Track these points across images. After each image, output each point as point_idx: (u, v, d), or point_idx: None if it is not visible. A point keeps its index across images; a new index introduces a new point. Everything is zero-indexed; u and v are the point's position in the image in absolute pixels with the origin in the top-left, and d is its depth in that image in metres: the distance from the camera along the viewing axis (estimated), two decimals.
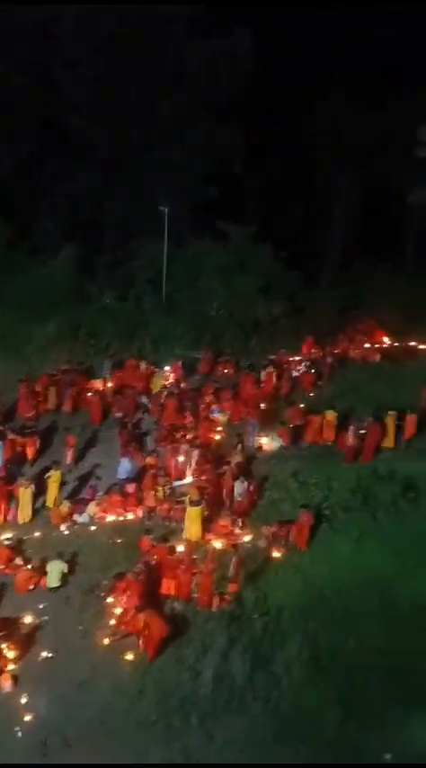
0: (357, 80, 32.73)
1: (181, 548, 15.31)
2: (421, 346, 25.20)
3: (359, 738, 10.73)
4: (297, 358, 24.26)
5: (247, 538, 15.83)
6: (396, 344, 25.75)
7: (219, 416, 20.85)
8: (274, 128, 35.00)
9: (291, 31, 32.56)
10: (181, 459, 18.78)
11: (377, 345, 25.44)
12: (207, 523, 16.17)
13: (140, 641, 12.82)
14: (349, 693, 11.63)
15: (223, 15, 30.35)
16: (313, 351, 24.70)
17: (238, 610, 13.71)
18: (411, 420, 18.78)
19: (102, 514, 17.37)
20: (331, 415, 19.39)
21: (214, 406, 21.16)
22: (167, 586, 14.25)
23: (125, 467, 18.63)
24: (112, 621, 13.52)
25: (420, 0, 30.29)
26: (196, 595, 14.05)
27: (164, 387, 22.44)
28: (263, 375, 22.31)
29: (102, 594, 14.35)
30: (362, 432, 18.51)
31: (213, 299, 27.39)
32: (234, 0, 31.11)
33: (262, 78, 31.64)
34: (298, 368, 23.35)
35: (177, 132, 30.79)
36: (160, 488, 17.43)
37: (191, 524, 15.91)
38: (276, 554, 15.11)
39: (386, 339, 26.19)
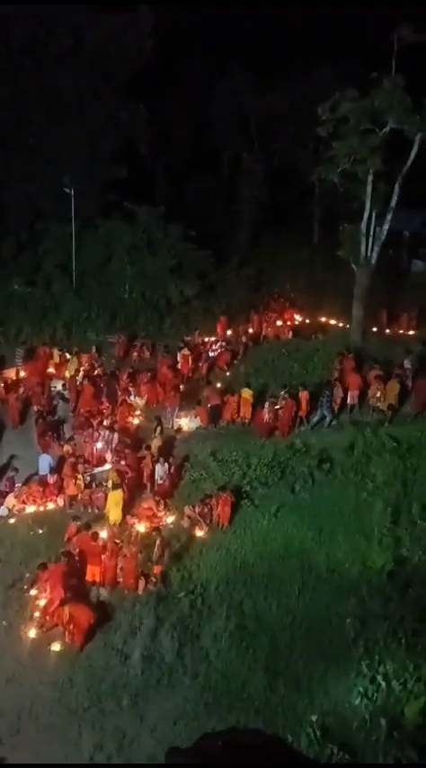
0: (257, 58, 32.98)
1: (104, 533, 15.28)
2: (331, 321, 26.05)
3: (286, 702, 11.18)
4: (212, 338, 24.50)
5: (170, 519, 15.98)
6: (307, 321, 26.49)
7: (136, 400, 20.81)
8: (179, 106, 34.82)
9: (192, 9, 32.32)
10: (99, 445, 18.65)
11: (288, 323, 26.06)
12: (129, 507, 16.20)
13: (67, 633, 12.76)
14: (274, 657, 12.07)
15: None
16: (227, 330, 25.00)
17: (165, 590, 13.87)
18: (304, 396, 18.91)
19: (22, 506, 17.05)
20: (247, 393, 19.75)
21: (131, 390, 21.08)
22: (92, 573, 14.21)
23: (45, 463, 18.21)
24: (37, 614, 13.38)
25: None
26: (121, 580, 14.09)
27: (78, 372, 22.11)
28: (179, 357, 22.39)
29: (26, 587, 14.14)
30: (278, 408, 18.96)
31: (124, 281, 27.10)
32: None
33: (165, 56, 31.31)
34: (214, 348, 23.58)
35: (79, 109, 29.97)
36: (80, 476, 17.27)
37: (113, 509, 15.89)
38: (199, 533, 15.36)
39: (297, 316, 26.86)
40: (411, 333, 24.19)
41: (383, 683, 10.80)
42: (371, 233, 21.13)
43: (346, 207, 24.10)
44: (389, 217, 21.12)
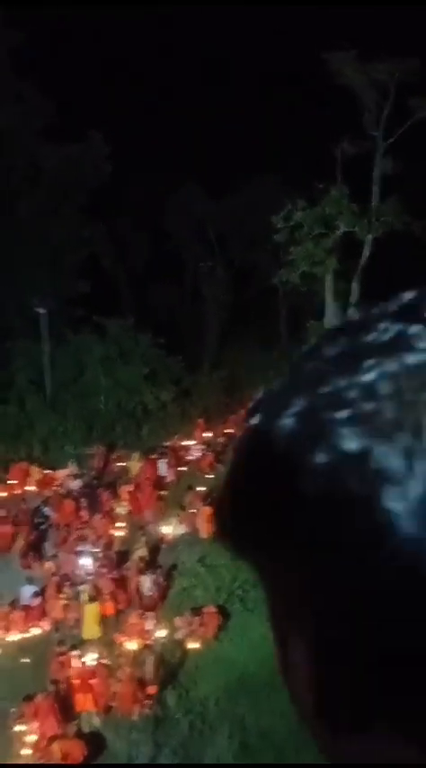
0: (207, 170, 35.23)
1: (93, 656, 14.59)
2: None
3: None
4: (192, 442, 24.56)
5: (162, 633, 15.38)
6: None
7: (119, 511, 20.49)
8: (136, 219, 36.67)
9: (145, 128, 34.79)
10: (82, 561, 18.13)
11: None
12: (117, 625, 15.59)
13: None
14: None
15: (75, 120, 31.99)
16: (205, 433, 25.14)
17: (162, 712, 13.16)
18: None
19: (3, 634, 16.25)
20: None
21: (112, 501, 20.80)
22: (82, 701, 13.45)
23: (28, 594, 17.42)
24: (24, 751, 12.49)
25: (269, 95, 33.41)
26: (114, 705, 13.35)
27: (59, 488, 21.83)
28: (161, 464, 22.32)
29: (13, 723, 13.27)
30: None
31: (99, 393, 27.37)
32: (85, 106, 32.90)
33: (119, 173, 33.33)
34: (194, 452, 23.62)
35: (39, 231, 31.36)
36: (64, 596, 16.66)
37: (89, 624, 15.25)
38: (193, 644, 14.77)
39: None
40: None
41: None
42: None
43: (310, 304, 25.10)
44: (351, 311, 22.05)
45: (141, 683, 13.60)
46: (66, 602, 16.50)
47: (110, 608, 15.85)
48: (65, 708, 13.11)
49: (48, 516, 20.55)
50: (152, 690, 13.46)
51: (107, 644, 15.06)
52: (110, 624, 15.68)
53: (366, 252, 21.02)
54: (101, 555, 18.00)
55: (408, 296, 0.44)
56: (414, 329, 0.41)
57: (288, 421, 0.41)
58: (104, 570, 17.34)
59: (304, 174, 22.92)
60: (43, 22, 30.90)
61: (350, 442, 0.38)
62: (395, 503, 0.37)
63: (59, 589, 16.80)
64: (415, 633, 0.37)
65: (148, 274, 36.70)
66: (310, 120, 32.14)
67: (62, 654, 14.63)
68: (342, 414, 0.39)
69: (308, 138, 31.19)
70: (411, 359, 0.40)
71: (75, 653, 14.68)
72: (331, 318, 21.76)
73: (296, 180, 24.20)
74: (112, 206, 33.70)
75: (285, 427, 0.41)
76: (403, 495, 0.37)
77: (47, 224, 31.15)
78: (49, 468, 22.89)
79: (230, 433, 25.03)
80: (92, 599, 15.59)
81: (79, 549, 18.39)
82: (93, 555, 18.18)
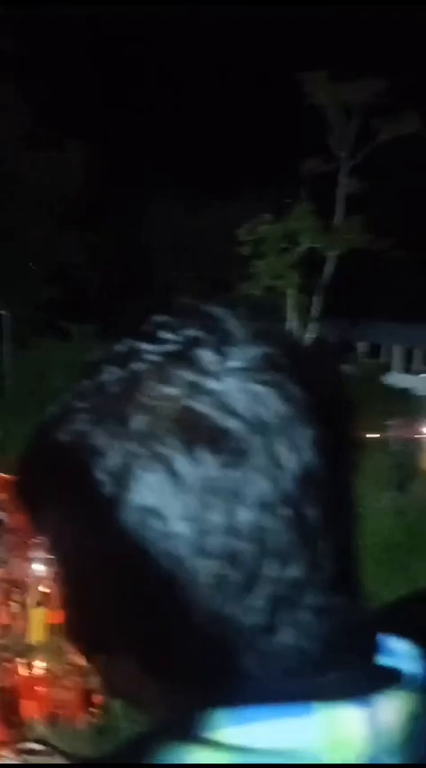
0: (182, 186, 35.51)
1: (40, 663, 14.43)
2: None
3: None
4: None
5: None
6: None
7: None
8: (112, 228, 36.71)
9: (123, 138, 34.95)
10: (34, 567, 17.92)
11: None
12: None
13: None
14: None
15: (54, 128, 31.96)
16: None
17: (107, 720, 13.05)
18: None
19: None
20: None
21: None
22: (27, 708, 13.28)
23: None
24: None
25: (236, 111, 33.88)
26: (59, 713, 13.21)
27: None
28: None
29: None
30: None
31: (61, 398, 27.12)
32: (63, 113, 32.94)
33: (97, 182, 33.34)
34: None
35: (16, 238, 31.12)
36: (13, 602, 16.44)
37: (35, 629, 15.09)
38: None
39: None
40: None
41: None
42: None
43: (273, 319, 25.36)
44: (312, 326, 22.39)
45: (88, 692, 13.49)
46: (14, 608, 16.30)
47: (59, 615, 15.70)
48: (10, 715, 12.93)
49: (2, 521, 20.24)
50: (98, 699, 13.36)
51: (55, 651, 14.90)
52: (59, 631, 15.53)
53: (328, 268, 21.39)
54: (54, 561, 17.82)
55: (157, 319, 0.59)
56: (145, 345, 0.54)
57: (58, 413, 0.56)
58: (56, 577, 17.17)
59: (274, 190, 23.30)
60: (22, 25, 30.95)
61: (81, 426, 0.52)
62: (100, 472, 0.50)
63: (8, 595, 16.58)
64: (139, 570, 0.50)
65: (120, 285, 36.75)
66: (282, 137, 32.71)
67: (8, 660, 14.44)
68: (81, 404, 0.53)
69: (280, 156, 31.76)
70: (136, 366, 0.53)
71: (21, 660, 14.49)
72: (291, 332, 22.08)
73: (269, 200, 24.60)
74: (88, 215, 33.68)
75: (55, 419, 0.55)
76: (104, 465, 0.50)
77: (22, 230, 30.94)
78: (5, 473, 22.58)
79: None
80: (39, 604, 15.43)
81: (32, 554, 18.18)
82: (47, 561, 18.00)
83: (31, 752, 11.98)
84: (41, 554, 18.03)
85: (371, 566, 14.96)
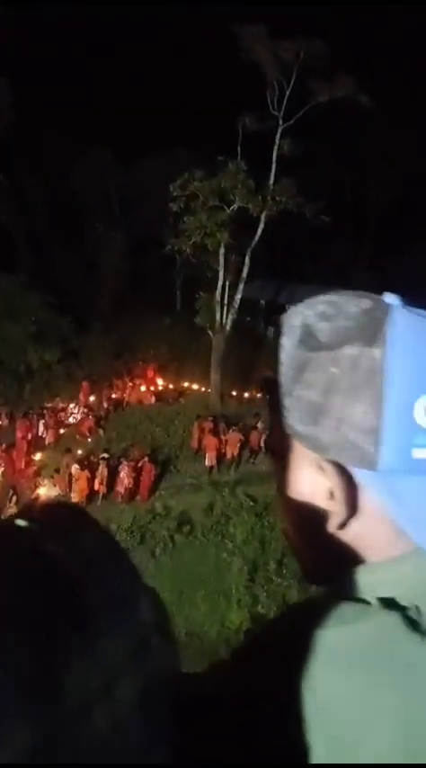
0: (116, 137, 34.49)
1: None
2: (193, 386, 26.76)
3: None
4: (74, 404, 24.27)
5: None
6: (170, 386, 27.04)
7: None
8: (41, 178, 35.34)
9: (52, 82, 33.46)
10: None
11: (151, 388, 26.46)
12: None
13: None
14: None
15: None
16: (89, 396, 24.91)
17: None
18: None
19: None
20: (105, 459, 19.64)
21: None
22: None
23: None
24: None
25: (175, 62, 32.98)
26: None
27: None
28: (40, 425, 21.94)
29: None
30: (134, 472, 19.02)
31: None
32: None
33: (26, 129, 31.90)
34: (75, 414, 23.37)
35: None
36: None
37: None
38: None
39: (159, 381, 27.36)
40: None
41: None
42: (225, 301, 22.30)
43: (205, 276, 25.30)
44: (241, 286, 22.43)
45: None
46: None
47: None
48: None
49: None
50: None
51: None
52: None
53: (260, 228, 21.38)
54: None
55: None
56: None
57: None
58: None
59: (209, 146, 22.94)
60: None
61: None
62: None
63: None
64: None
65: (49, 234, 35.60)
66: (219, 93, 32.10)
67: None
68: None
69: (216, 112, 31.21)
70: None
71: None
72: (220, 291, 22.05)
73: (205, 156, 24.21)
74: (17, 161, 32.24)
75: None
76: None
77: None
78: None
79: (115, 398, 25.00)
80: None
81: None
82: None
83: None
84: None
85: None
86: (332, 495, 0.73)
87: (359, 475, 0.71)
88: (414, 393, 0.66)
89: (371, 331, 0.68)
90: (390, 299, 0.70)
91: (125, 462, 19.25)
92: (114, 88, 35.17)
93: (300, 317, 0.74)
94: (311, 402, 0.71)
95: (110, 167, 34.74)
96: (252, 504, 17.89)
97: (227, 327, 22.28)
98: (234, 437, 19.93)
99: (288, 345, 0.73)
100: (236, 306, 22.26)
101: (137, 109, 34.31)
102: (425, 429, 0.66)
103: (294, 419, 0.72)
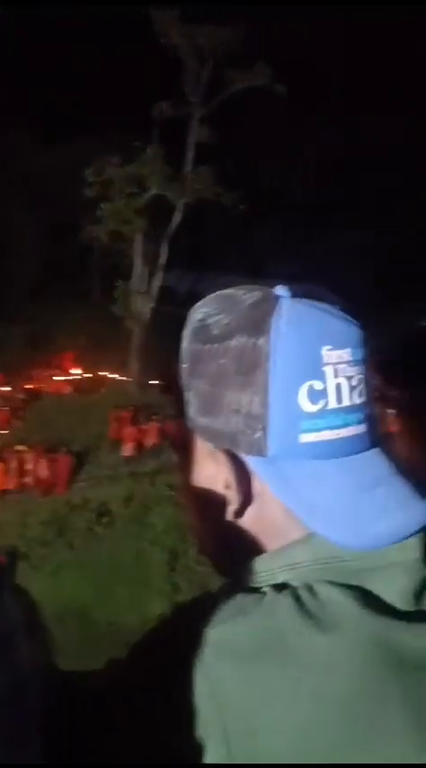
0: (32, 116, 33.30)
1: None
2: (112, 375, 26.38)
3: None
4: None
5: None
6: (88, 375, 26.55)
7: None
8: None
9: None
10: None
11: (69, 378, 25.89)
12: None
13: None
14: None
15: None
16: (4, 387, 24.11)
17: None
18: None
19: None
20: (22, 451, 19.13)
21: None
22: None
23: None
24: None
25: (88, 53, 32.16)
26: None
27: None
28: None
29: None
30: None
31: None
32: None
33: None
34: None
35: None
36: None
37: None
38: None
39: (77, 371, 26.81)
40: None
41: None
42: (143, 290, 22.07)
43: (124, 264, 24.93)
44: (160, 274, 22.26)
45: None
46: None
47: None
48: None
49: None
50: None
51: None
52: None
53: (176, 216, 21.25)
54: None
55: None
56: None
57: None
58: None
59: (126, 132, 22.53)
60: None
61: None
62: None
63: None
64: None
65: None
66: (137, 78, 31.59)
67: None
68: None
69: (134, 97, 30.70)
70: None
71: None
72: (138, 280, 21.81)
73: (121, 141, 23.73)
74: None
75: None
76: None
77: None
78: None
79: (31, 388, 24.30)
80: None
81: None
82: None
83: None
84: None
85: None
86: (228, 484, 0.74)
87: (252, 462, 0.73)
88: (298, 380, 0.69)
89: (258, 322, 0.71)
90: (280, 290, 0.73)
91: (42, 454, 18.81)
92: (31, 70, 33.98)
93: (199, 312, 0.77)
94: (204, 393, 0.74)
95: (26, 150, 33.56)
96: (171, 493, 17.88)
97: (146, 316, 22.07)
98: (153, 427, 19.84)
99: (185, 340, 0.77)
100: (155, 294, 22.08)
101: (56, 91, 33.31)
102: (310, 414, 0.69)
103: (191, 411, 0.75)
